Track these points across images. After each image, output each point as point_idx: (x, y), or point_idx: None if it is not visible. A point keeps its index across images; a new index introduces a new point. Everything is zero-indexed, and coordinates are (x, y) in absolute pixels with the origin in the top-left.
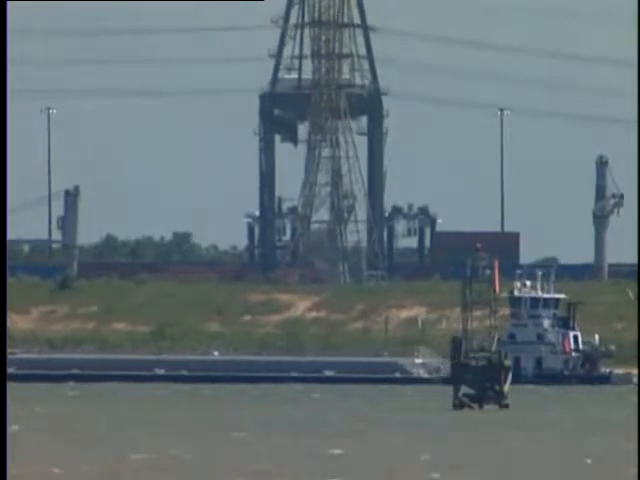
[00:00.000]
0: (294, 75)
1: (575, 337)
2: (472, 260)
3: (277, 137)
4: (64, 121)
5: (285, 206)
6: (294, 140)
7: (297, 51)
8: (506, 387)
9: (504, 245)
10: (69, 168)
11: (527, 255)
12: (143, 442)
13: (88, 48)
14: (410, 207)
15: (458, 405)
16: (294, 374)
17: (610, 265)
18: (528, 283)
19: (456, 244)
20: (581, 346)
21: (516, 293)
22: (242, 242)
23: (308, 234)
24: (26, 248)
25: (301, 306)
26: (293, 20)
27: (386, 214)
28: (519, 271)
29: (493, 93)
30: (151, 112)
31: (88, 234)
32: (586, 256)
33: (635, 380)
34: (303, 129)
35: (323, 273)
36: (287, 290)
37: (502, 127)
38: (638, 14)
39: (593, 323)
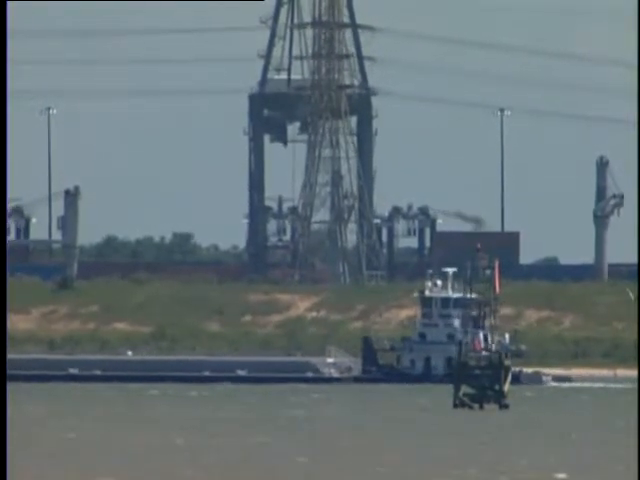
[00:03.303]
0: (283, 75)
1: (485, 336)
2: (472, 260)
3: (267, 137)
4: (64, 121)
5: (285, 206)
6: (284, 140)
7: (287, 51)
8: (506, 387)
9: (504, 245)
10: (69, 168)
11: (527, 255)
12: None
13: (87, 48)
14: (410, 207)
15: (459, 405)
16: (206, 373)
17: (610, 265)
18: (439, 283)
19: (456, 244)
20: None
21: (427, 293)
22: (242, 242)
23: (308, 234)
24: None
25: (301, 306)
26: (282, 20)
27: (386, 214)
28: (430, 271)
29: (493, 93)
30: (149, 112)
31: (88, 234)
32: (586, 256)
33: (544, 379)
34: (293, 129)
35: (323, 273)
36: (287, 290)
37: (502, 127)
38: (638, 14)
39: (593, 323)
